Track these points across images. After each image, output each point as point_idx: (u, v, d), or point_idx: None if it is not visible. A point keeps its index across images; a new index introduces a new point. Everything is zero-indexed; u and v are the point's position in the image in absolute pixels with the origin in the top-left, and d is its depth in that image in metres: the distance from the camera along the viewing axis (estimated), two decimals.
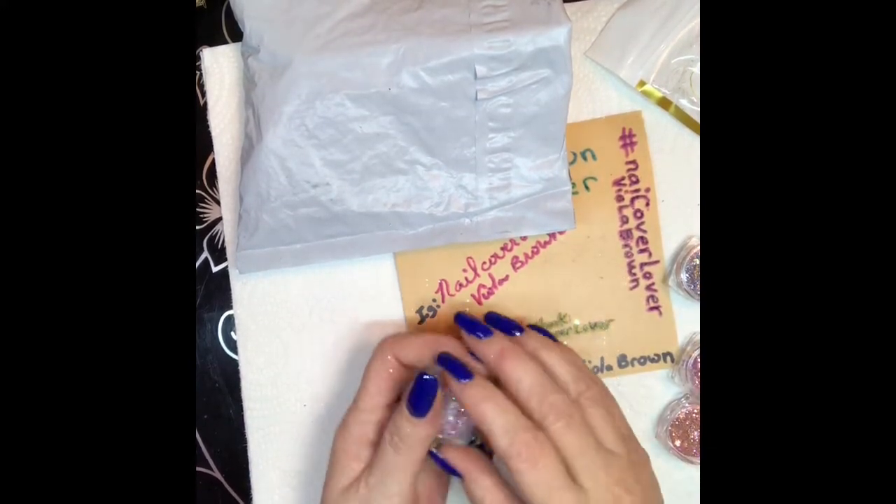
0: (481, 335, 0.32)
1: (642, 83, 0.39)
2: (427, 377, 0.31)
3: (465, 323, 0.33)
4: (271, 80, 0.36)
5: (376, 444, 0.32)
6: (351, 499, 0.32)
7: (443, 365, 0.32)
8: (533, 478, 0.29)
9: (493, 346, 0.32)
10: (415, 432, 0.31)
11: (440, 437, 0.32)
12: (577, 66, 0.40)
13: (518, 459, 0.29)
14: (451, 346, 0.33)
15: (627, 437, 0.32)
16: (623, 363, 0.40)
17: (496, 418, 0.30)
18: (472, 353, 0.33)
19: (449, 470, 0.32)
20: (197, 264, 0.41)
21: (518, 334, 0.34)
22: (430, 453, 0.32)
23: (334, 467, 0.33)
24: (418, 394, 0.31)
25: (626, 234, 0.40)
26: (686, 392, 0.40)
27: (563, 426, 0.30)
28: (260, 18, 0.36)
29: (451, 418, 0.32)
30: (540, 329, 0.36)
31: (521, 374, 0.31)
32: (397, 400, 0.33)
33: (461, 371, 0.31)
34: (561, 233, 0.40)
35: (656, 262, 0.40)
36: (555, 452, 0.29)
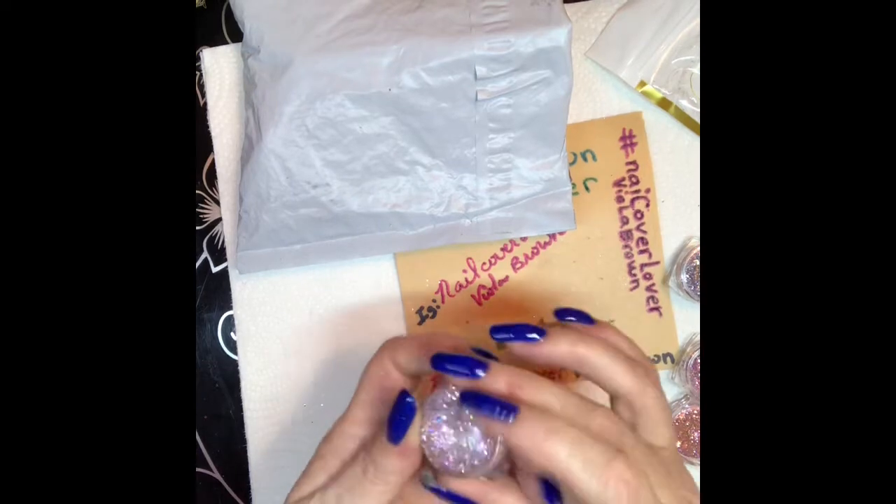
0: (538, 337, 0.27)
1: (642, 84, 0.39)
2: (408, 399, 0.26)
3: (509, 331, 0.27)
4: (271, 80, 0.36)
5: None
6: None
7: (471, 405, 0.25)
8: None
9: (499, 381, 0.25)
10: (386, 460, 0.26)
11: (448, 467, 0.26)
12: (577, 67, 0.40)
13: (618, 500, 0.23)
14: (447, 345, 0.28)
15: None
16: None
17: (573, 454, 0.23)
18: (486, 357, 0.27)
19: (459, 501, 0.26)
20: (197, 265, 0.41)
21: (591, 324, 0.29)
22: (432, 489, 0.27)
23: (303, 473, 0.29)
24: (392, 414, 0.26)
25: (626, 235, 0.40)
26: (686, 393, 0.40)
27: (630, 447, 0.25)
28: (260, 18, 0.36)
29: (451, 455, 0.26)
30: (577, 313, 0.30)
31: (547, 403, 0.25)
32: None
33: (500, 406, 0.24)
34: (561, 233, 0.40)
35: (656, 262, 0.40)
36: (642, 471, 0.24)
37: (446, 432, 0.26)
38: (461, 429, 0.25)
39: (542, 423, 0.24)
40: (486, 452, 0.25)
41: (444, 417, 0.26)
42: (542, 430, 0.23)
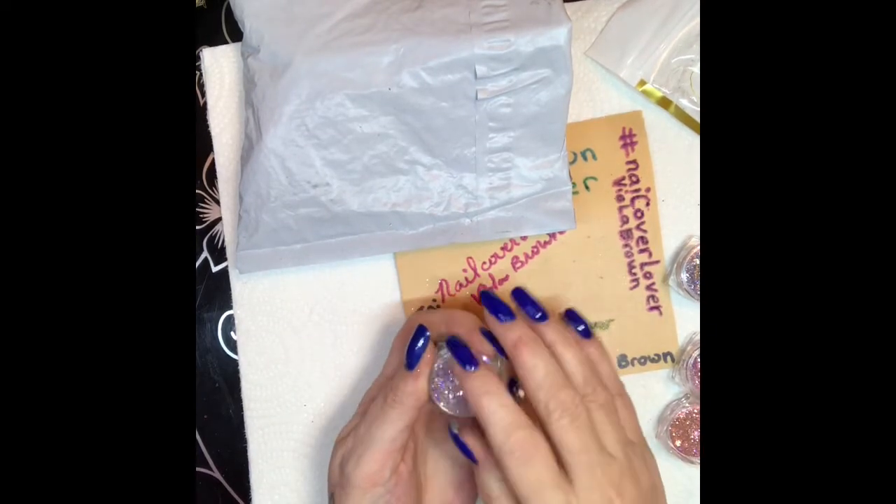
0: (503, 318, 0.32)
1: (642, 83, 0.39)
2: (427, 332, 0.32)
3: (489, 302, 0.33)
4: (271, 80, 0.36)
5: None
6: (341, 447, 0.33)
7: (450, 348, 0.32)
8: (522, 474, 0.29)
9: (513, 332, 0.32)
10: (403, 384, 0.32)
11: (446, 409, 0.33)
12: (577, 66, 0.40)
13: (511, 457, 0.29)
14: (464, 323, 0.34)
15: (632, 442, 0.32)
16: (623, 363, 0.40)
17: (494, 413, 0.30)
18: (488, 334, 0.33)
19: (466, 453, 0.32)
20: (197, 264, 0.41)
21: (541, 321, 0.33)
22: (451, 434, 0.33)
23: (348, 422, 0.35)
24: (411, 343, 0.32)
25: (626, 234, 0.40)
26: (686, 392, 0.40)
27: (567, 423, 0.30)
28: (260, 18, 0.36)
29: (450, 394, 0.33)
30: (577, 318, 0.35)
31: (534, 364, 0.31)
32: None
33: (467, 358, 0.32)
34: (561, 233, 0.40)
35: (656, 261, 0.40)
36: (548, 451, 0.30)
37: (451, 384, 0.33)
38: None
39: (483, 383, 0.31)
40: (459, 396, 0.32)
41: (450, 371, 0.33)
42: (481, 388, 0.31)
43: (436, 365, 0.33)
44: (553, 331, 0.33)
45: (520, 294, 0.34)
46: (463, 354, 0.32)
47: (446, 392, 0.33)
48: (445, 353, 0.33)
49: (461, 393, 0.32)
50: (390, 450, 0.32)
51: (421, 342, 0.32)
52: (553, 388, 0.31)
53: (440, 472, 0.35)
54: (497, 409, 0.30)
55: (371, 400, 0.34)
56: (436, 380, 0.33)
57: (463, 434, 0.32)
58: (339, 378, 0.40)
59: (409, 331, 0.35)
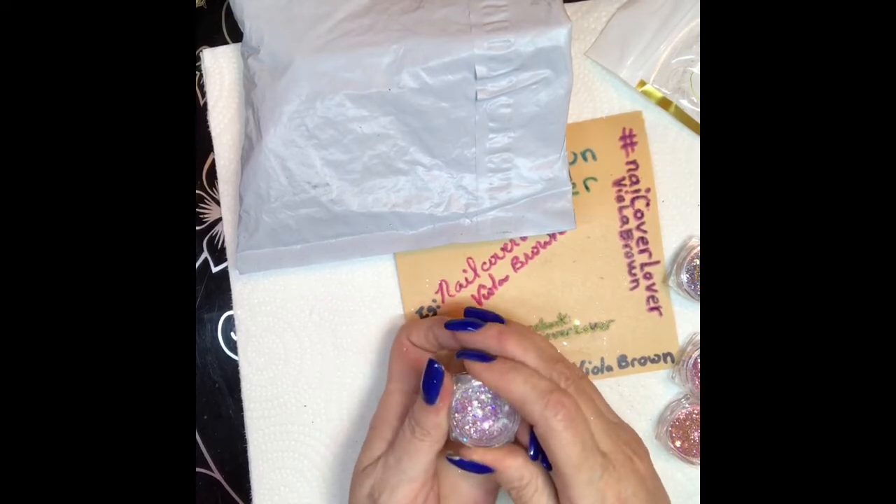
0: (473, 328, 0.33)
1: (642, 83, 0.39)
2: (435, 365, 0.32)
3: (455, 324, 0.34)
4: (271, 80, 0.36)
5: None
6: (369, 476, 0.33)
7: (463, 357, 0.32)
8: (570, 436, 0.29)
9: (491, 330, 0.33)
10: (426, 418, 0.32)
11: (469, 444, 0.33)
12: (577, 67, 0.40)
13: (555, 419, 0.29)
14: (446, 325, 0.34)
15: (610, 409, 0.34)
16: (623, 364, 0.40)
17: (525, 383, 0.30)
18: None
19: (475, 469, 0.32)
20: (197, 265, 0.41)
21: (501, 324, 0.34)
22: (452, 460, 0.32)
23: (364, 445, 0.35)
24: (426, 379, 0.32)
25: (626, 235, 0.40)
26: (686, 392, 0.40)
27: (573, 391, 0.31)
28: (260, 18, 0.36)
29: (471, 426, 0.32)
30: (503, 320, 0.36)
31: (524, 346, 0.32)
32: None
33: (481, 356, 0.32)
34: (561, 233, 0.40)
35: (657, 262, 0.40)
36: (578, 405, 0.30)
37: (471, 417, 0.32)
38: (481, 412, 0.32)
39: (505, 364, 0.31)
40: (498, 431, 0.32)
41: (468, 405, 0.32)
42: (505, 368, 0.31)
43: (452, 402, 0.32)
44: (515, 325, 0.34)
45: (470, 309, 0.36)
46: (476, 354, 0.32)
47: (467, 427, 0.32)
48: (458, 389, 0.32)
49: (484, 424, 0.32)
50: (425, 479, 0.32)
51: (435, 378, 0.32)
52: (550, 363, 0.32)
53: (456, 494, 0.35)
54: (527, 379, 0.30)
55: (383, 423, 0.35)
56: (455, 415, 0.32)
57: (462, 453, 0.32)
58: (339, 378, 0.40)
59: (400, 348, 0.36)
